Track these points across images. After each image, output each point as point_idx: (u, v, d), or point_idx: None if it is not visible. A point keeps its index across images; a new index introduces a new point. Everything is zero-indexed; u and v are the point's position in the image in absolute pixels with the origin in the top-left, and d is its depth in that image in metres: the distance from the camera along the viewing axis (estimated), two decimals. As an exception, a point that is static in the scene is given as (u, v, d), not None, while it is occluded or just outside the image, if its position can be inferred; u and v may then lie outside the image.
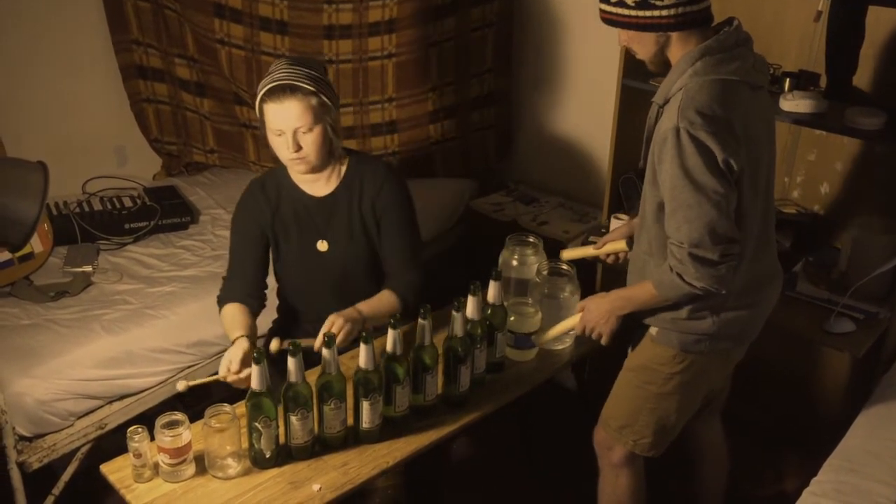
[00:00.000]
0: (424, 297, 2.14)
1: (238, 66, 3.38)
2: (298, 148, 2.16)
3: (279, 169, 2.35)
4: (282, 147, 2.18)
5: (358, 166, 2.32)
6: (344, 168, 2.31)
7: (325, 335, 1.92)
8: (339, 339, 2.04)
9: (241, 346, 2.09)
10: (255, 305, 2.31)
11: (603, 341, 2.14)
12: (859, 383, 2.60)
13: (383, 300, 2.28)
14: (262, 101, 2.14)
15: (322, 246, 2.31)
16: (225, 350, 2.82)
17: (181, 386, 2.05)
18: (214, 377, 2.09)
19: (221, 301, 2.31)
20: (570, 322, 2.21)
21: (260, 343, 2.67)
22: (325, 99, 2.16)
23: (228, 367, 2.05)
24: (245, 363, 2.04)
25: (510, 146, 3.77)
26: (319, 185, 2.31)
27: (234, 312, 2.25)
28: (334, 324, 2.09)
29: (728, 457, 2.46)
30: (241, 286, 2.31)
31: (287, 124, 2.13)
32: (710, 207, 1.80)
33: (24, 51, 3.30)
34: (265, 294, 2.37)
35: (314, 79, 2.15)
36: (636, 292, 2.06)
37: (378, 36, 3.29)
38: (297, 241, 2.32)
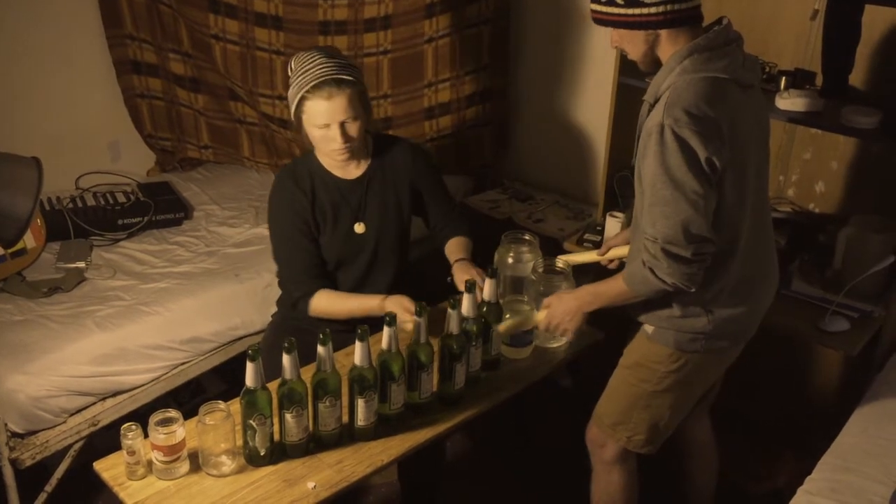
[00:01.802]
0: (420, 296, 2.14)
1: (233, 62, 3.36)
2: (348, 139, 2.20)
3: (303, 158, 2.38)
4: (326, 140, 2.22)
5: (383, 144, 2.41)
6: (370, 148, 2.38)
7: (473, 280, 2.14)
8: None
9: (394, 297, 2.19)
10: (332, 286, 2.35)
11: (568, 338, 2.14)
12: (854, 382, 2.60)
13: (462, 244, 2.45)
14: (304, 98, 2.16)
15: (359, 228, 2.35)
16: (219, 347, 2.83)
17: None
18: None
19: (305, 299, 2.30)
20: (535, 318, 2.19)
21: (258, 340, 2.66)
22: (363, 87, 2.22)
23: (408, 309, 2.11)
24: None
25: (506, 143, 3.77)
26: (351, 169, 2.36)
27: (332, 297, 2.30)
28: (469, 274, 2.25)
29: (717, 454, 2.47)
30: (316, 280, 2.32)
31: (335, 117, 2.17)
32: (687, 206, 1.80)
33: (18, 45, 3.27)
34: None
35: (350, 67, 2.20)
36: (605, 287, 2.06)
37: (374, 32, 3.28)
38: (335, 226, 2.34)
